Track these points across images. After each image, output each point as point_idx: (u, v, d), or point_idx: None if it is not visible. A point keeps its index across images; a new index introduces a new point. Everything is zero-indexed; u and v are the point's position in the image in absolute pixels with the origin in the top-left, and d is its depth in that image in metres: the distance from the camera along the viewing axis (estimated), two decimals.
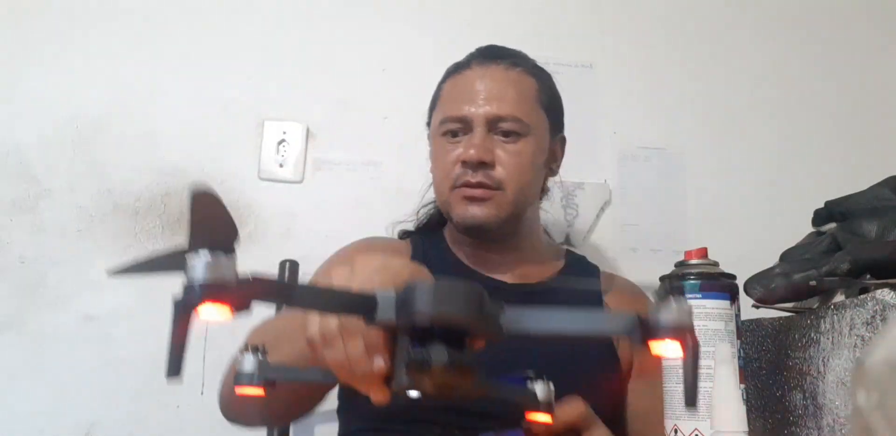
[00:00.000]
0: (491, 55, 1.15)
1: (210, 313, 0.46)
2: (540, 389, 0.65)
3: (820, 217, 1.09)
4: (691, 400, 0.52)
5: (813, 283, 0.95)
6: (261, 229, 1.46)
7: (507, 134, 1.09)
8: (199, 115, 1.48)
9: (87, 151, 1.44)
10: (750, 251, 1.21)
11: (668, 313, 0.52)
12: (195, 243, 0.47)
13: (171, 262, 0.48)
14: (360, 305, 0.53)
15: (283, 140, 1.49)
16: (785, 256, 1.06)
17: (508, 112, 1.09)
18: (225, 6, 1.54)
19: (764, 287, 1.00)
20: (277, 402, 0.87)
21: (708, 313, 0.84)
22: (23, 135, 1.44)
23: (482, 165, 1.07)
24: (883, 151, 1.62)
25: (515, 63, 1.14)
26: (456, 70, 1.16)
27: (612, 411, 1.13)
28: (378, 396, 0.62)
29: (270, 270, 1.39)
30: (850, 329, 0.86)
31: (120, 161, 1.45)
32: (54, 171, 1.43)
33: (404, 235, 1.26)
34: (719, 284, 0.86)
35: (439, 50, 1.24)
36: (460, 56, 1.19)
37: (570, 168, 1.26)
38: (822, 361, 0.89)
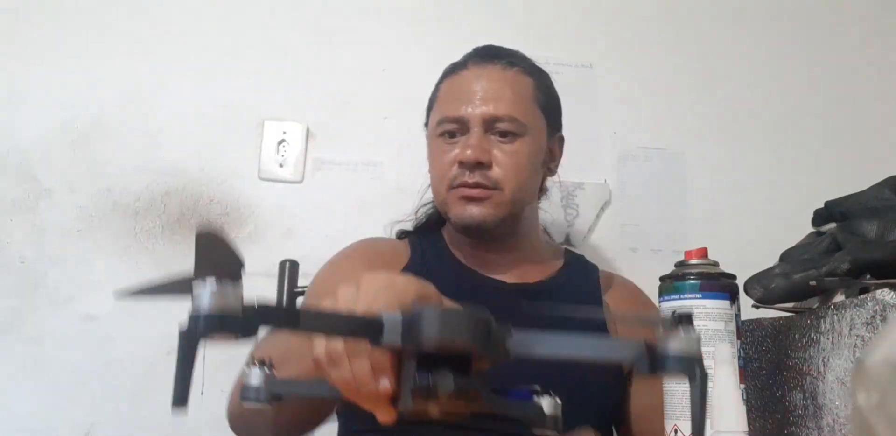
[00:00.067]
0: (487, 55, 1.15)
1: (216, 342, 0.47)
2: (547, 403, 0.64)
3: (820, 217, 1.09)
4: (699, 432, 0.51)
5: (813, 283, 0.95)
6: (261, 229, 1.46)
7: (504, 134, 1.09)
8: (199, 115, 1.48)
9: (87, 151, 1.44)
10: (750, 251, 1.21)
11: (677, 345, 0.52)
12: (201, 273, 0.47)
13: (179, 287, 0.49)
14: (365, 328, 0.53)
15: (283, 140, 1.49)
16: (785, 256, 1.06)
17: (505, 112, 1.09)
18: (225, 6, 1.54)
19: (764, 287, 1.00)
20: (285, 416, 0.87)
21: (708, 313, 0.85)
22: (23, 135, 1.44)
23: (479, 165, 1.07)
24: (883, 151, 1.62)
25: (512, 63, 1.14)
26: (453, 70, 1.16)
27: (614, 413, 1.13)
28: (384, 416, 0.62)
29: (270, 270, 1.39)
30: (850, 329, 0.86)
31: (120, 161, 1.45)
32: (54, 171, 1.43)
33: (402, 234, 1.25)
34: (719, 284, 0.86)
35: (439, 50, 1.24)
36: (460, 56, 1.19)
37: (570, 168, 1.27)
38: (822, 361, 0.89)
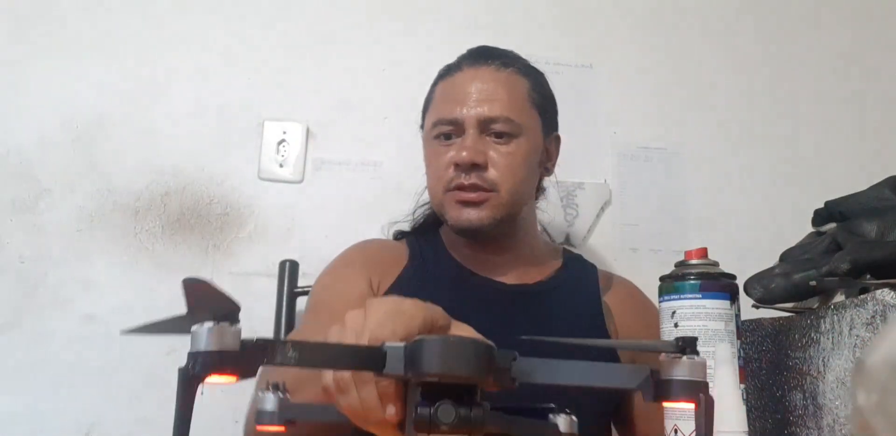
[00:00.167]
0: (481, 56, 1.15)
1: (216, 381, 0.48)
2: (563, 422, 0.64)
3: (820, 217, 1.09)
4: None
5: (813, 283, 0.95)
6: (261, 229, 1.46)
7: (499, 135, 1.09)
8: (199, 115, 1.48)
9: (87, 151, 1.44)
10: (750, 251, 1.22)
11: (682, 371, 0.52)
12: (198, 318, 0.48)
13: (179, 325, 0.49)
14: (368, 359, 0.54)
15: (283, 140, 1.49)
16: (785, 256, 1.06)
17: (500, 113, 1.08)
18: (225, 6, 1.54)
19: (764, 287, 1.00)
20: None
21: (708, 313, 0.84)
22: (23, 135, 1.44)
23: (475, 166, 1.07)
24: (883, 151, 1.62)
25: (506, 63, 1.13)
26: (447, 72, 1.16)
27: (614, 413, 1.13)
28: None
29: (270, 270, 1.39)
30: (850, 329, 0.86)
31: (120, 161, 1.45)
32: (54, 171, 1.43)
33: (400, 235, 1.25)
34: (719, 284, 0.86)
35: (439, 50, 1.25)
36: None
37: (570, 168, 1.27)
38: (822, 361, 0.89)
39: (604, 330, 1.12)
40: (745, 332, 1.00)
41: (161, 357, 1.32)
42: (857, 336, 0.84)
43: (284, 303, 1.34)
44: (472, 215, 1.08)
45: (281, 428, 0.66)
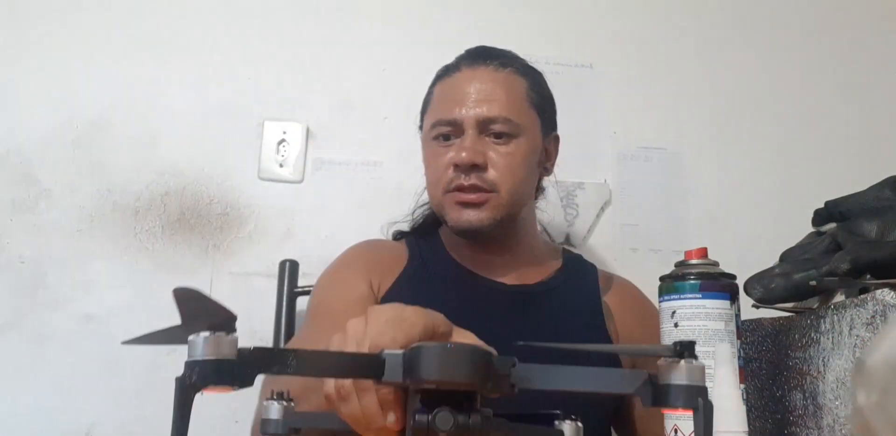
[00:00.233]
0: (479, 56, 1.15)
1: (213, 391, 0.48)
2: (568, 428, 0.64)
3: (820, 217, 1.09)
4: None
5: (813, 283, 0.95)
6: (261, 229, 1.46)
7: (498, 136, 1.09)
8: (199, 115, 1.48)
9: (87, 151, 1.44)
10: (750, 251, 1.21)
11: (680, 376, 0.51)
12: (194, 328, 0.48)
13: (176, 336, 0.50)
14: (367, 367, 0.55)
15: (283, 140, 1.49)
16: (785, 256, 1.06)
17: (499, 113, 1.08)
18: (225, 6, 1.54)
19: (764, 287, 1.00)
20: None
21: (708, 313, 0.84)
22: (23, 135, 1.44)
23: (474, 167, 1.07)
24: (883, 151, 1.62)
25: (504, 63, 1.13)
26: (445, 73, 1.16)
27: (614, 413, 1.13)
28: None
29: (270, 270, 1.39)
30: (850, 329, 0.86)
31: (120, 161, 1.45)
32: (54, 171, 1.43)
33: (399, 235, 1.25)
34: (719, 284, 0.86)
35: (439, 50, 1.24)
36: None
37: (570, 168, 1.26)
38: (822, 361, 0.89)
39: (604, 330, 1.12)
40: (745, 332, 1.00)
41: (161, 357, 1.32)
42: (857, 336, 0.84)
43: (284, 303, 1.34)
44: (472, 217, 1.08)
45: None
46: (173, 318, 0.50)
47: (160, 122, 1.47)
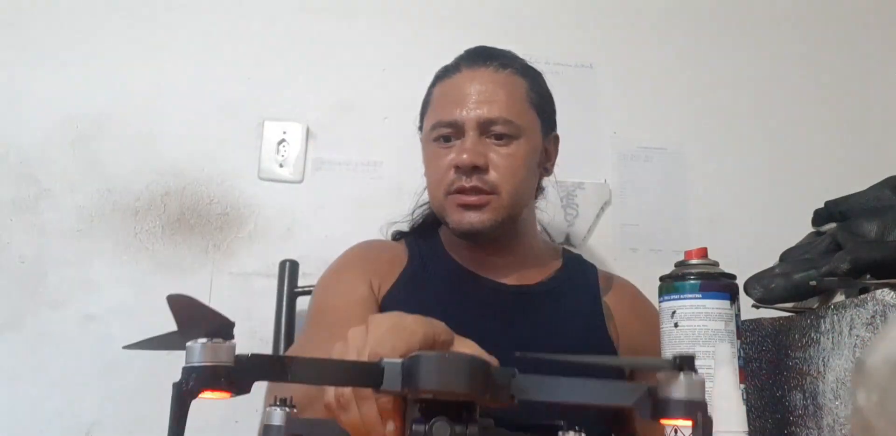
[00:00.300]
0: (479, 57, 1.14)
1: (210, 397, 0.48)
2: None
3: (820, 217, 1.09)
4: None
5: (813, 283, 0.95)
6: (261, 229, 1.46)
7: (499, 137, 1.09)
8: (199, 115, 1.48)
9: (87, 151, 1.44)
10: (750, 251, 1.21)
11: (679, 390, 0.51)
12: (192, 334, 0.48)
13: (176, 341, 0.50)
14: (365, 375, 0.55)
15: (283, 140, 1.49)
16: (785, 256, 1.06)
17: (499, 115, 1.08)
18: (225, 6, 1.54)
19: (764, 287, 1.00)
20: None
21: (708, 313, 0.84)
22: (23, 135, 1.44)
23: (476, 169, 1.07)
24: (883, 151, 1.62)
25: (504, 64, 1.13)
26: (445, 74, 1.16)
27: (615, 419, 1.13)
28: None
29: (270, 270, 1.39)
30: (850, 329, 0.86)
31: (120, 161, 1.45)
32: (54, 171, 1.43)
33: (398, 235, 1.25)
34: (719, 284, 0.86)
35: (439, 50, 1.24)
36: None
37: (570, 168, 1.26)
38: (822, 361, 0.89)
39: (604, 331, 1.12)
40: (745, 332, 1.00)
41: (161, 357, 1.31)
42: (857, 336, 0.84)
43: (284, 303, 1.34)
44: (473, 219, 1.08)
45: None
46: (173, 319, 0.50)
47: (160, 122, 1.47)
